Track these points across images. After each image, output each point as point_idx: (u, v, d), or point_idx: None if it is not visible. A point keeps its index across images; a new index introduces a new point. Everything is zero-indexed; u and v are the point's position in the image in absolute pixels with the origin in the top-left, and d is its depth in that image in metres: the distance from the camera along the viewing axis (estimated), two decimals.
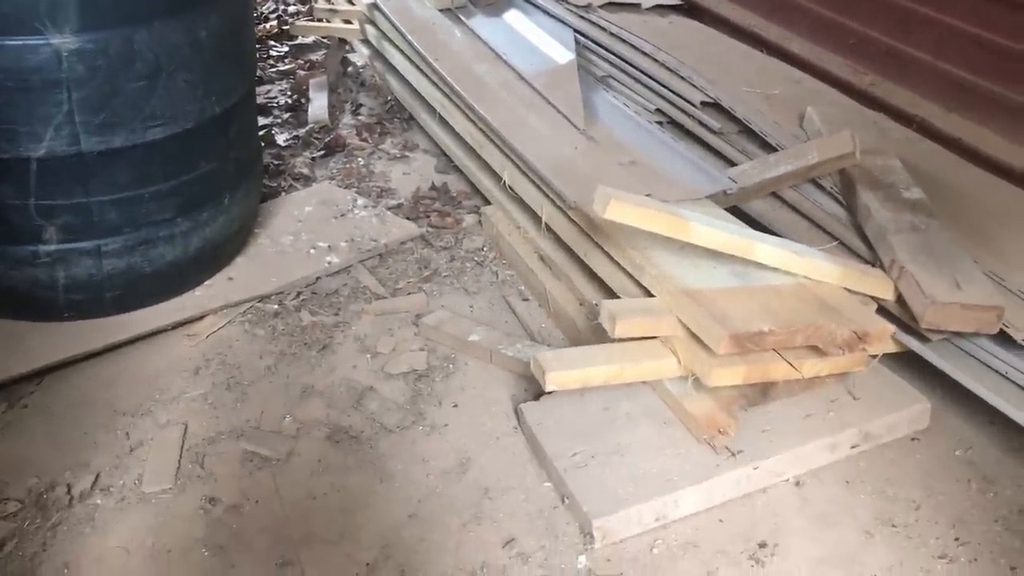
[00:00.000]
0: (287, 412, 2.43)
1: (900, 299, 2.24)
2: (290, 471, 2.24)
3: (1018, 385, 2.12)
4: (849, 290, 2.23)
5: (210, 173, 2.63)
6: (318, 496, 2.17)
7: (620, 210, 2.08)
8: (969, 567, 1.92)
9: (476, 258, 3.11)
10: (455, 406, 2.43)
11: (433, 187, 3.54)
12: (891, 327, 2.04)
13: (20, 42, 2.14)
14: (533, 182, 2.83)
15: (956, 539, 1.95)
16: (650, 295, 2.22)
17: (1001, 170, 2.78)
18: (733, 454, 2.07)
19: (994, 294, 2.14)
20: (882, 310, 2.29)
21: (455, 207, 3.43)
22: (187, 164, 2.54)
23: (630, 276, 2.30)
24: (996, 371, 2.16)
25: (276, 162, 3.67)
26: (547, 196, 2.73)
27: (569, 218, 2.59)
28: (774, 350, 2.03)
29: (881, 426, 2.17)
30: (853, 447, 2.15)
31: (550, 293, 2.69)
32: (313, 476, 2.22)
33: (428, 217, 3.36)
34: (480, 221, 3.26)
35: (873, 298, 2.26)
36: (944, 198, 2.61)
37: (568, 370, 2.05)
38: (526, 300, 2.86)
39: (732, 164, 2.91)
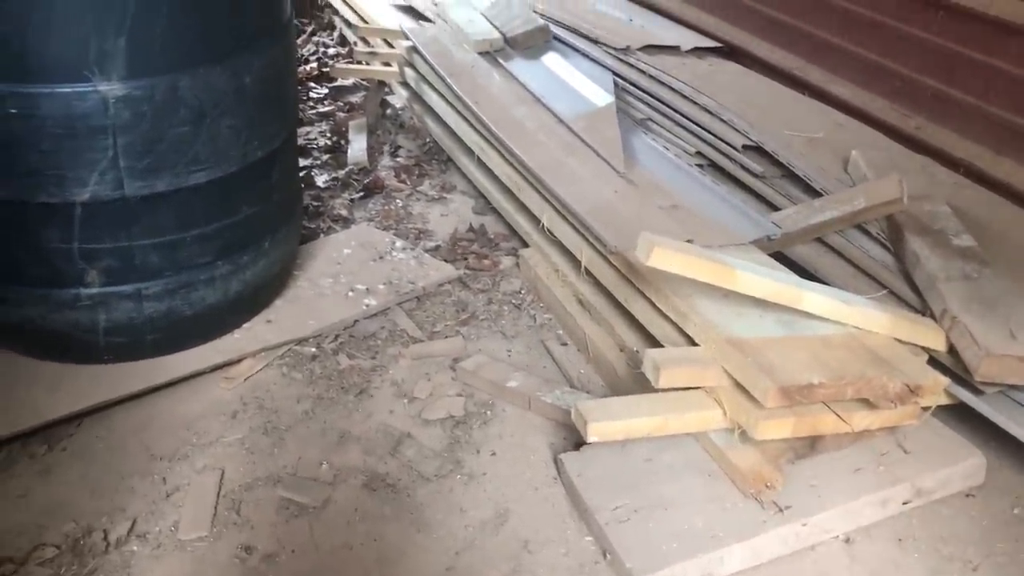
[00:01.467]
0: (324, 458, 2.40)
1: (952, 350, 2.18)
2: (327, 519, 2.21)
3: None
4: (900, 341, 2.17)
5: (251, 217, 2.63)
6: (355, 546, 2.14)
7: (664, 257, 2.05)
8: None
9: (514, 301, 3.09)
10: (493, 454, 2.39)
11: (471, 229, 3.53)
12: (944, 379, 1.98)
13: (69, 89, 2.17)
14: (572, 225, 2.81)
15: None
16: (694, 343, 2.18)
17: None
18: (781, 510, 2.01)
19: None
20: (933, 362, 2.23)
21: (493, 249, 3.42)
22: (229, 208, 2.55)
23: (673, 323, 2.26)
24: None
25: (315, 204, 3.68)
26: (586, 240, 2.70)
27: (609, 263, 2.56)
28: (823, 403, 1.98)
29: (934, 481, 2.10)
30: (905, 503, 2.08)
31: (589, 338, 2.65)
32: (349, 525, 2.19)
33: (466, 259, 3.34)
34: (518, 264, 3.24)
35: (924, 349, 2.20)
36: (995, 245, 2.54)
37: (611, 421, 2.01)
38: (564, 345, 2.83)
39: (775, 209, 2.87)
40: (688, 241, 2.51)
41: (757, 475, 2.04)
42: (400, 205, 3.75)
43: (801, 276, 2.66)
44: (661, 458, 2.17)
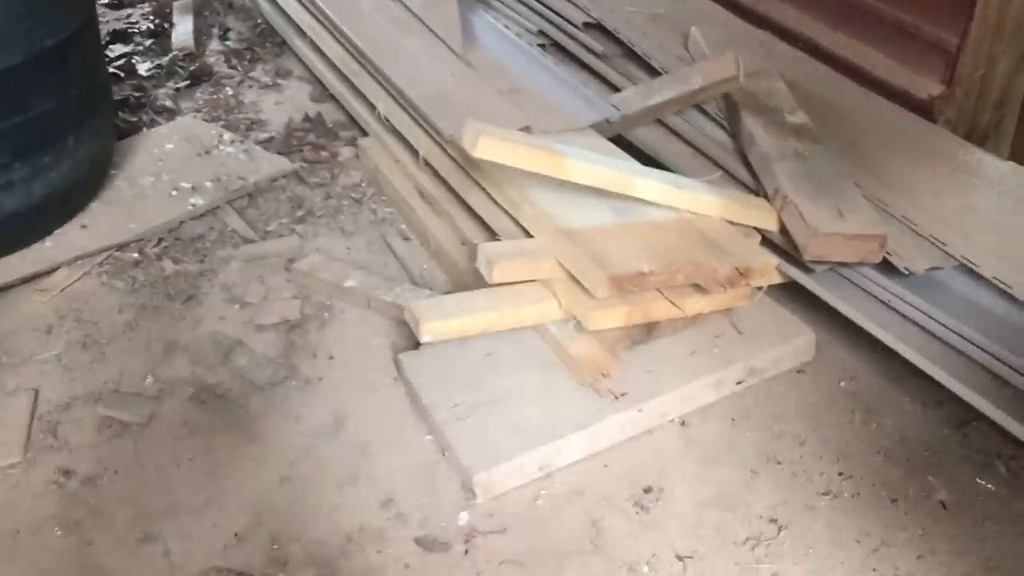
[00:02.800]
0: (149, 371, 2.26)
1: (784, 229, 2.19)
2: (152, 436, 2.09)
3: (900, 313, 2.10)
4: (733, 223, 2.16)
5: (47, 113, 2.38)
6: (183, 462, 2.03)
7: (491, 147, 1.95)
8: (852, 501, 1.90)
9: (353, 195, 2.94)
10: (331, 358, 2.29)
11: (307, 118, 3.33)
12: (774, 260, 1.98)
13: None
14: (409, 113, 2.66)
15: (840, 473, 1.94)
16: (530, 235, 2.11)
17: (891, 93, 2.73)
18: (617, 397, 2.00)
19: (877, 222, 2.10)
20: (767, 242, 2.23)
21: (331, 139, 3.24)
22: (17, 104, 2.29)
23: (509, 215, 2.18)
24: (879, 300, 2.13)
25: (137, 95, 3.39)
26: (424, 129, 2.57)
27: (447, 153, 2.45)
28: (656, 290, 1.95)
29: (766, 360, 2.13)
30: (739, 383, 2.11)
31: (431, 232, 2.56)
32: (177, 441, 2.07)
33: (302, 151, 3.16)
34: (357, 155, 3.08)
35: (757, 230, 2.20)
36: (830, 121, 2.55)
37: (445, 319, 1.94)
38: (407, 240, 2.72)
39: (616, 90, 2.79)
40: (525, 129, 2.42)
41: (593, 364, 2.02)
42: (230, 93, 3.50)
43: (642, 161, 2.62)
44: (501, 352, 2.12)
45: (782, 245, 2.21)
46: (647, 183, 2.06)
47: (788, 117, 2.43)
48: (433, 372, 2.09)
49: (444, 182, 2.58)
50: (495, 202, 2.24)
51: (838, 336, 2.27)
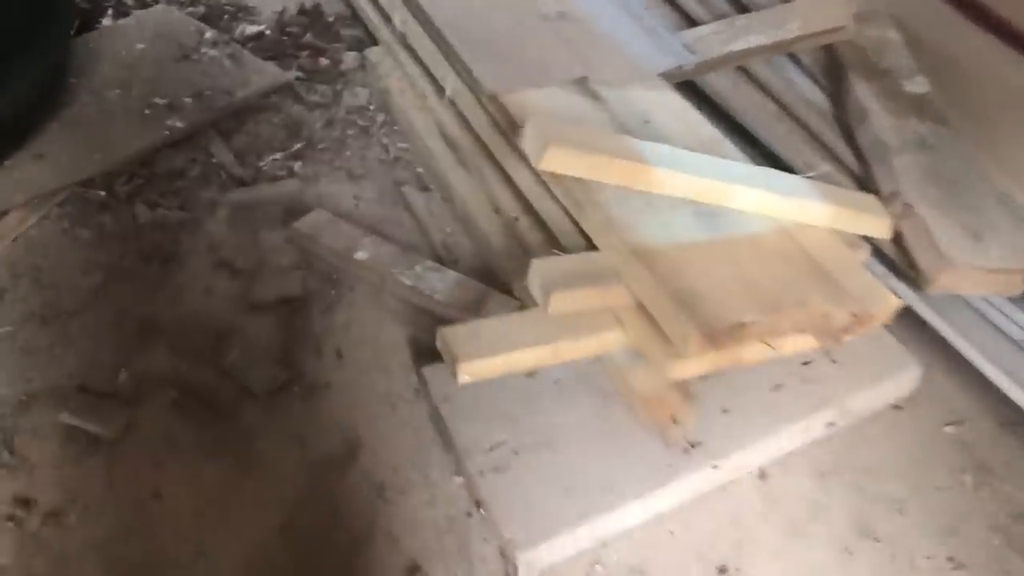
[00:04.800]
0: (122, 361, 1.90)
1: (898, 238, 1.80)
2: (128, 456, 1.75)
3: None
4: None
5: None
6: (165, 495, 1.70)
7: (562, 159, 1.53)
8: None
9: (360, 121, 2.49)
10: (339, 356, 1.93)
11: (303, 10, 2.82)
12: (897, 301, 1.61)
13: None
14: (432, 38, 2.17)
15: (950, 559, 1.63)
16: (590, 240, 1.71)
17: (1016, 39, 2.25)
18: (689, 448, 1.67)
19: (1020, 251, 1.71)
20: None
21: (332, 40, 2.74)
22: None
23: (565, 209, 1.76)
24: (1005, 334, 1.78)
25: None
26: (450, 64, 2.10)
27: (482, 105, 2.00)
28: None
29: (864, 399, 1.80)
30: (829, 424, 1.78)
31: (455, 191, 2.14)
32: (157, 465, 1.74)
33: (297, 56, 2.67)
34: (363, 64, 2.60)
35: (864, 237, 1.81)
36: (950, 81, 2.10)
37: (488, 358, 1.56)
38: (427, 191, 2.30)
39: (686, 16, 2.31)
40: (581, 80, 1.96)
41: (663, 406, 1.68)
42: None
43: (715, 115, 2.18)
44: (549, 375, 1.77)
45: (890, 254, 1.83)
46: (748, 194, 1.65)
47: (906, 84, 1.99)
48: (465, 399, 1.74)
49: (474, 131, 2.14)
50: (543, 184, 1.82)
51: (945, 361, 1.91)
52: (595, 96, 1.95)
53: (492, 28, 2.11)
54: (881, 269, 1.79)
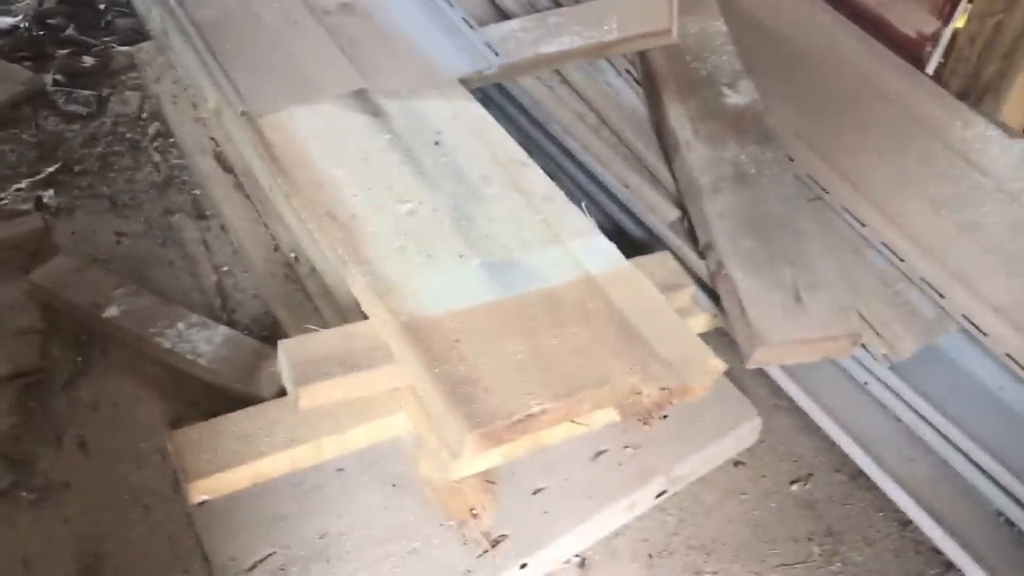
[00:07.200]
0: None
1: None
2: None
3: (875, 400, 1.53)
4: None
5: None
6: None
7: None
8: None
9: (130, 134, 2.12)
10: (82, 445, 1.59)
11: None
12: (720, 365, 1.35)
13: None
14: (192, 41, 1.80)
15: None
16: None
17: (865, 20, 1.99)
18: (491, 546, 1.41)
19: (848, 311, 1.46)
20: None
21: (101, 32, 2.34)
22: None
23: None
24: (851, 376, 1.56)
25: None
26: (210, 74, 1.74)
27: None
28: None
29: (697, 462, 1.55)
30: (660, 495, 1.54)
31: (231, 223, 1.80)
32: None
33: (55, 56, 2.26)
34: (135, 64, 2.21)
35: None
36: (787, 73, 1.85)
37: (228, 470, 1.25)
38: (202, 219, 1.95)
39: (491, 3, 1.98)
40: (360, 92, 1.63)
41: (459, 496, 1.41)
42: None
43: (527, 126, 1.89)
44: (328, 463, 1.47)
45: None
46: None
47: (728, 95, 1.70)
48: (225, 501, 1.43)
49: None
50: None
51: (789, 400, 1.68)
52: (376, 111, 1.62)
53: (259, 29, 1.76)
54: (721, 364, 1.50)
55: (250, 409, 1.34)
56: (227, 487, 1.28)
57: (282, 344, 1.29)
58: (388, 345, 1.30)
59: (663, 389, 1.29)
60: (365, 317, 1.37)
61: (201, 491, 1.26)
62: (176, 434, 1.29)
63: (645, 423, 1.29)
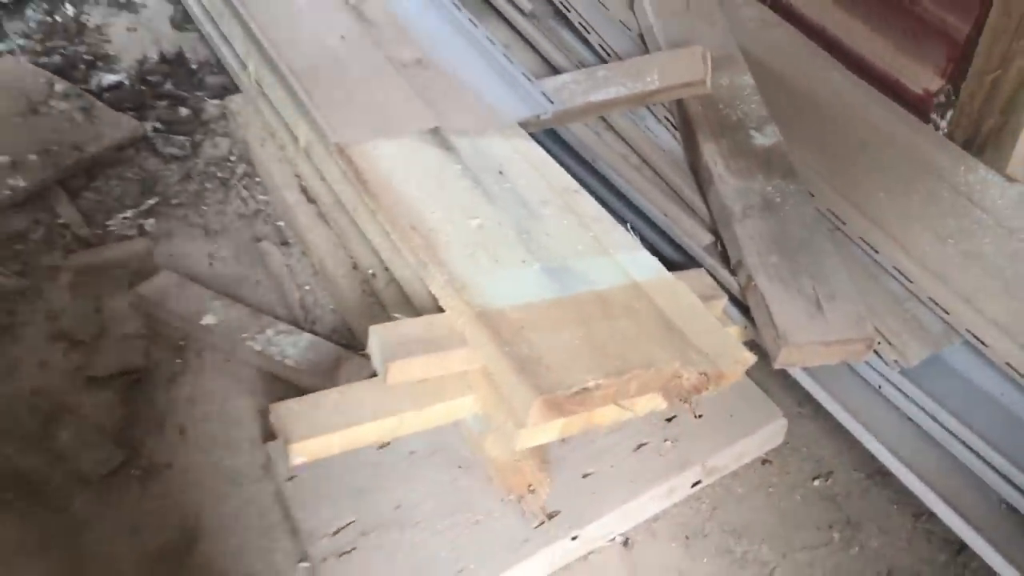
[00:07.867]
0: None
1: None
2: None
3: (890, 402, 1.72)
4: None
5: None
6: None
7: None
8: None
9: (220, 173, 2.38)
10: (182, 432, 1.81)
11: (164, 58, 2.69)
12: (751, 357, 1.55)
13: None
14: (285, 87, 2.07)
15: None
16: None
17: (874, 77, 2.25)
18: (546, 519, 1.59)
19: (863, 319, 1.67)
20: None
21: (194, 88, 2.62)
22: None
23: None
24: (867, 381, 1.74)
25: None
26: (303, 113, 2.00)
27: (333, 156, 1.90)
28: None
29: (729, 456, 1.74)
30: (695, 484, 1.72)
31: (313, 246, 2.04)
32: None
33: (155, 107, 2.54)
34: (226, 115, 2.48)
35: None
36: (803, 120, 2.08)
37: (322, 435, 1.46)
38: (286, 245, 2.19)
39: (545, 62, 2.25)
40: (434, 131, 1.89)
41: (518, 474, 1.59)
42: (71, 14, 2.82)
43: (580, 165, 2.13)
44: (402, 443, 1.67)
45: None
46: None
47: (755, 137, 1.94)
48: (312, 476, 1.63)
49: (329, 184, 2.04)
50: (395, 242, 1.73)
51: (811, 405, 1.87)
52: (448, 146, 1.87)
53: (344, 77, 2.02)
54: (751, 357, 1.70)
55: (342, 387, 1.55)
56: (322, 451, 1.48)
57: (373, 328, 1.51)
58: (463, 332, 1.52)
59: (701, 374, 1.49)
60: None
61: (300, 452, 1.46)
62: (278, 405, 1.50)
63: (687, 402, 1.49)
